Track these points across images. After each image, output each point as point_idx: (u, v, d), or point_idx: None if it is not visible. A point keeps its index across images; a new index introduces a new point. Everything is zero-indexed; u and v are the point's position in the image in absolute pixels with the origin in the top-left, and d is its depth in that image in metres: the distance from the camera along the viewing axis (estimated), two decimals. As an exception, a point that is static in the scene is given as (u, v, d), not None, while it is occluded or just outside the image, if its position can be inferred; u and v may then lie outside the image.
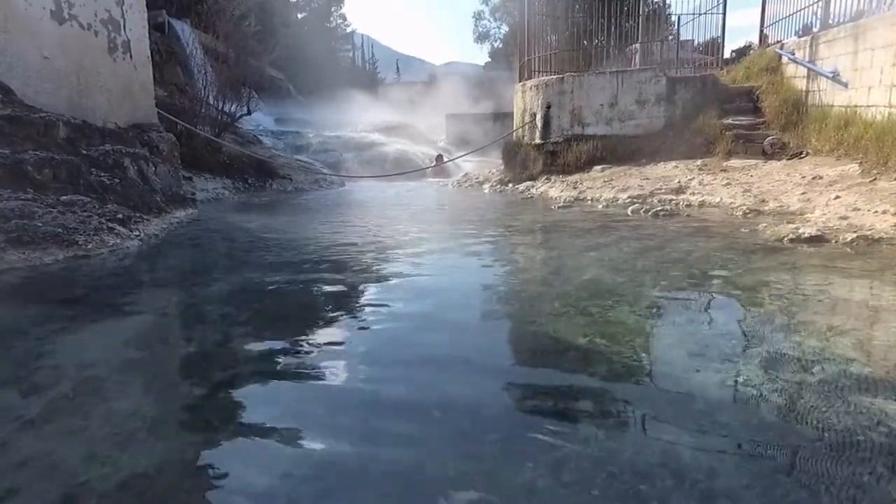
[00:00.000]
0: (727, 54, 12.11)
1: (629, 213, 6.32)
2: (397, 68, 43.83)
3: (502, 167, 11.15)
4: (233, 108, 11.75)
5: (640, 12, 11.58)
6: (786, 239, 4.40)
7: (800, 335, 2.49)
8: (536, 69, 10.94)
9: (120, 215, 5.16)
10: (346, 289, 3.64)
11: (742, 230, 4.93)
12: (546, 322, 2.79)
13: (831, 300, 2.99)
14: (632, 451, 1.63)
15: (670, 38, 11.96)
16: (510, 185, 9.95)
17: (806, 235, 4.38)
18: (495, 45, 36.92)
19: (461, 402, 1.98)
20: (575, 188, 8.19)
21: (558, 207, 7.09)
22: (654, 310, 2.98)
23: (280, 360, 2.39)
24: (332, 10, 34.00)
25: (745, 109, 8.85)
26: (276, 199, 9.74)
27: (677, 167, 8.00)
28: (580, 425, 1.79)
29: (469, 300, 3.35)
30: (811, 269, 3.64)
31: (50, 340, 2.60)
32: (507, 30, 33.77)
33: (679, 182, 7.21)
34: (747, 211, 5.69)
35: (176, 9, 15.44)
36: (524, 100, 10.56)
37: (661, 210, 6.17)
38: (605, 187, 7.80)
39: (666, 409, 1.87)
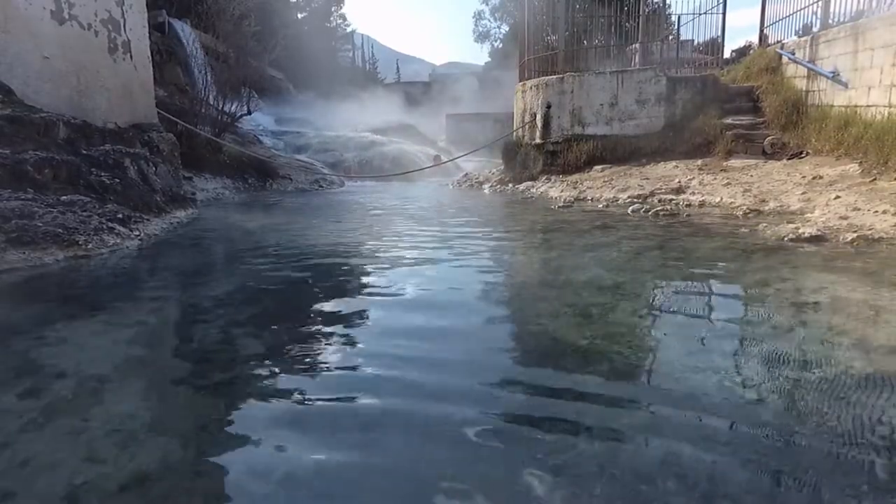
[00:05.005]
0: (727, 54, 12.12)
1: (629, 212, 6.32)
2: (397, 68, 43.72)
3: (502, 167, 11.14)
4: (233, 108, 11.75)
5: (640, 12, 11.58)
6: (786, 239, 4.41)
7: (800, 335, 2.49)
8: (536, 69, 10.94)
9: (120, 215, 5.16)
10: (345, 288, 3.65)
11: (742, 230, 4.93)
12: (546, 322, 2.79)
13: (831, 300, 2.99)
14: (632, 452, 1.63)
15: (670, 38, 11.97)
16: (510, 185, 9.95)
17: (806, 235, 4.38)
18: (495, 45, 36.93)
19: (461, 403, 1.98)
20: (575, 188, 8.19)
21: (558, 207, 7.09)
22: (654, 310, 2.98)
23: (280, 360, 2.39)
24: (332, 10, 33.97)
25: (745, 109, 8.85)
26: (276, 198, 9.74)
27: (677, 167, 8.00)
28: (580, 426, 1.79)
29: (469, 300, 3.34)
30: (811, 268, 3.64)
31: (50, 340, 2.60)
32: (507, 30, 33.76)
33: (679, 182, 7.21)
34: (747, 211, 5.69)
35: (176, 9, 15.43)
36: (524, 100, 10.56)
37: (661, 210, 6.17)
38: (605, 187, 7.80)
39: (666, 409, 1.87)
